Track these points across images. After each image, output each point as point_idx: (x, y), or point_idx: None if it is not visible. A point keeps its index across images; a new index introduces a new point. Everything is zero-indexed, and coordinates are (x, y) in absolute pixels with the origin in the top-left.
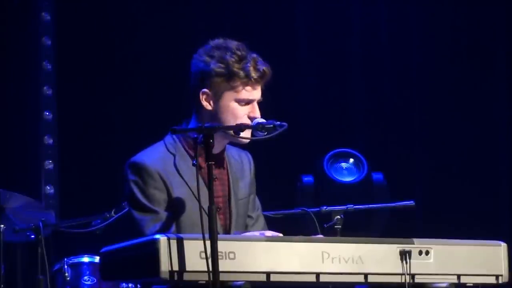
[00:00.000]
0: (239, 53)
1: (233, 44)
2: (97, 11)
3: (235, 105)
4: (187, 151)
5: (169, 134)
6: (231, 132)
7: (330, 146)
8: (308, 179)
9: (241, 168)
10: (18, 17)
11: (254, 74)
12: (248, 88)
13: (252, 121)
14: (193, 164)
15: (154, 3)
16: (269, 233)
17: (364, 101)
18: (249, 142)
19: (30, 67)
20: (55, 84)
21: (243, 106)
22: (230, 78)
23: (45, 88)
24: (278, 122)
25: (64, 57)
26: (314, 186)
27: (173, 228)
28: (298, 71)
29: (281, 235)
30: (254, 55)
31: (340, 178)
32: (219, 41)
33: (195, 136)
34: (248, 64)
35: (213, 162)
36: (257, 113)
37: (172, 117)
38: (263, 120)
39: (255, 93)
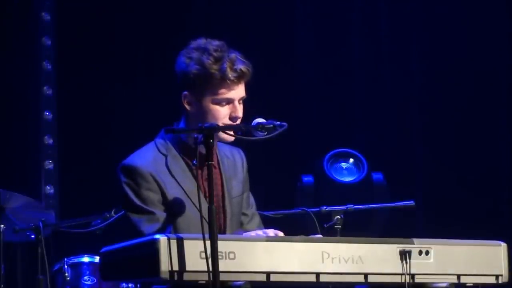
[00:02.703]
0: (215, 54)
1: (213, 44)
2: (97, 11)
3: (215, 106)
4: (178, 152)
5: (160, 135)
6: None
7: (330, 146)
8: (308, 179)
9: (233, 166)
10: (18, 17)
11: (230, 75)
12: (226, 88)
13: (233, 121)
14: (193, 164)
15: (154, 3)
16: (271, 231)
17: (364, 101)
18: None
19: (30, 67)
20: (55, 84)
21: (223, 107)
22: (207, 80)
23: (45, 88)
24: (278, 122)
25: (64, 57)
26: (314, 186)
27: (171, 228)
28: (298, 71)
29: (282, 233)
30: (233, 55)
31: (340, 178)
32: (200, 41)
33: (195, 136)
34: (225, 65)
35: (213, 162)
36: (238, 112)
37: (172, 117)
38: (263, 120)
39: (234, 93)
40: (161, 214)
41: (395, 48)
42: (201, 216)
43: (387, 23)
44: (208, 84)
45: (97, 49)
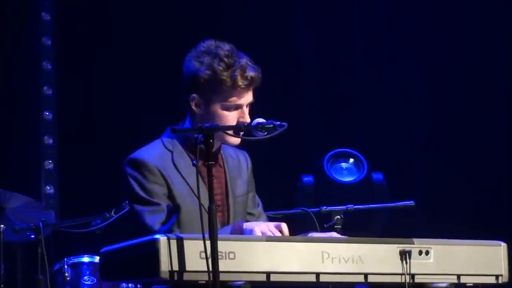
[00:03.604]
0: (227, 60)
1: (223, 49)
2: (97, 11)
3: (223, 112)
4: (184, 149)
5: (166, 132)
6: (229, 132)
7: (330, 146)
8: (308, 179)
9: (238, 166)
10: (18, 17)
11: (241, 83)
12: (236, 96)
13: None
14: (193, 164)
15: (155, 3)
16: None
17: (364, 101)
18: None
19: (30, 67)
20: (55, 84)
21: (232, 112)
22: (217, 86)
23: (45, 88)
24: (278, 122)
25: (64, 57)
26: (314, 186)
27: (175, 220)
28: (298, 71)
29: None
30: (243, 61)
31: (340, 178)
32: (210, 44)
33: (195, 136)
34: (236, 73)
35: (213, 162)
36: (246, 118)
37: (172, 116)
38: (263, 120)
39: (243, 100)
40: (165, 206)
41: (395, 48)
42: (201, 216)
43: (387, 23)
44: (218, 89)
45: (97, 49)
